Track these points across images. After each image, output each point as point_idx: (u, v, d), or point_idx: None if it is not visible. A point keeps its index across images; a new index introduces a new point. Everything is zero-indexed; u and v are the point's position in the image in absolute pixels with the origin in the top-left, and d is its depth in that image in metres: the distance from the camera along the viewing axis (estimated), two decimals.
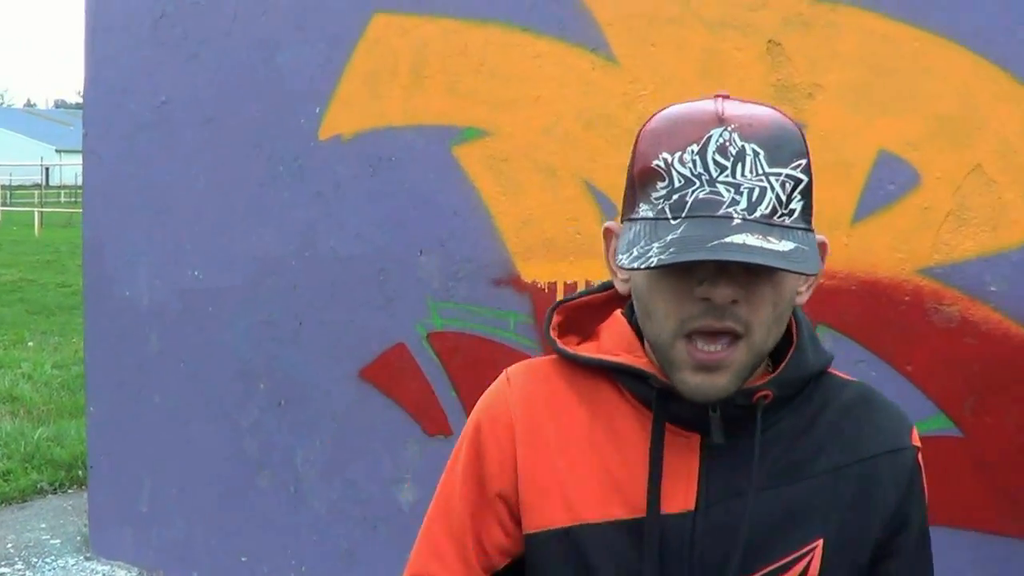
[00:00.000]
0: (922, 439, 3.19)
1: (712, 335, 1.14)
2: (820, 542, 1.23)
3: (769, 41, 3.10)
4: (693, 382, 1.16)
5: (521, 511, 1.28)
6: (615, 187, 3.19)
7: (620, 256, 1.15)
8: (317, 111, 3.64)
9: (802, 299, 1.24)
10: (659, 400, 1.22)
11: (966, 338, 3.02)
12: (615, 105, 3.19)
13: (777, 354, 1.26)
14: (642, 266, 1.10)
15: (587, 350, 1.30)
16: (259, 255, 3.82)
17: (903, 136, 3.03)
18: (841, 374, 1.35)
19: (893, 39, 3.03)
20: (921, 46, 3.02)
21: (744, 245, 1.06)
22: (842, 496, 1.25)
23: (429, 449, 3.42)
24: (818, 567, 1.23)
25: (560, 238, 3.25)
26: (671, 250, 1.08)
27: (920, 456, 1.35)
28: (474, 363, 3.34)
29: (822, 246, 1.20)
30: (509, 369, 1.35)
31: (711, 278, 1.11)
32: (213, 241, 3.96)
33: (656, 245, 1.10)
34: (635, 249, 1.12)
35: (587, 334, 1.34)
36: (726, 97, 1.19)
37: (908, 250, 3.03)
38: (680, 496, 1.21)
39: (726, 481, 1.22)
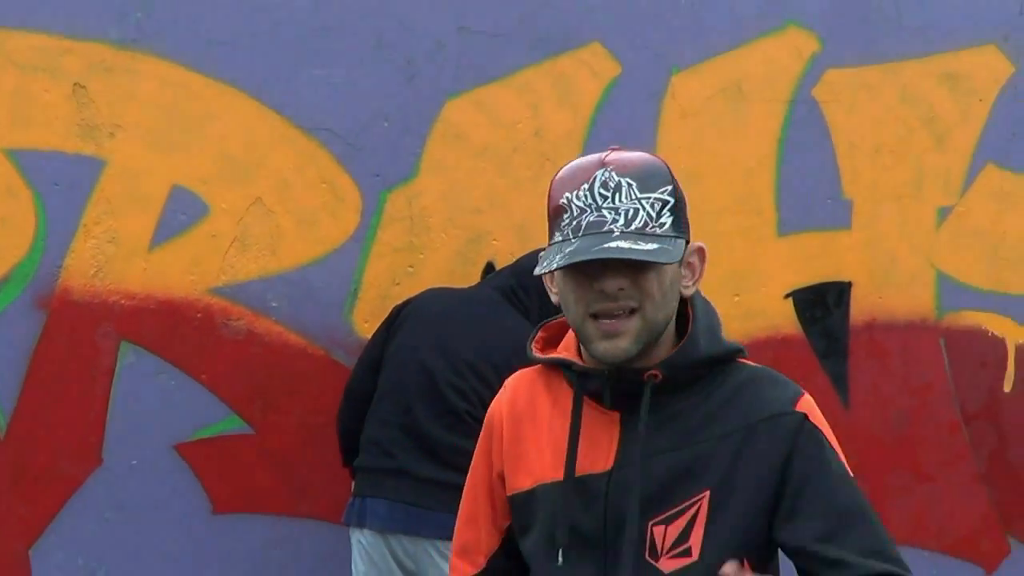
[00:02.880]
0: (218, 439, 3.58)
1: (610, 313, 1.48)
2: (707, 493, 1.50)
3: (75, 84, 3.39)
4: (602, 347, 1.48)
5: (506, 483, 1.63)
6: None
7: (536, 269, 1.52)
8: None
9: (688, 292, 1.55)
10: (578, 380, 1.56)
11: (253, 348, 3.46)
12: None
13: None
14: (545, 270, 1.49)
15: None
16: None
17: (195, 172, 3.43)
18: (751, 363, 1.61)
19: (187, 86, 3.42)
20: (211, 93, 3.43)
21: (619, 247, 1.43)
22: (726, 456, 1.51)
23: None
24: (706, 512, 1.50)
25: None
26: (567, 257, 1.44)
27: (812, 420, 1.52)
28: None
29: (700, 251, 1.55)
30: (509, 378, 1.72)
31: (602, 274, 1.45)
32: None
33: (558, 257, 1.45)
34: (544, 262, 1.49)
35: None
36: (615, 149, 1.53)
37: (200, 272, 3.43)
38: (602, 460, 1.53)
39: (635, 447, 1.51)
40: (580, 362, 1.57)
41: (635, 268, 1.46)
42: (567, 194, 1.49)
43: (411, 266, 3.48)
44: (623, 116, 3.50)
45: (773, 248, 3.45)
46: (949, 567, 3.67)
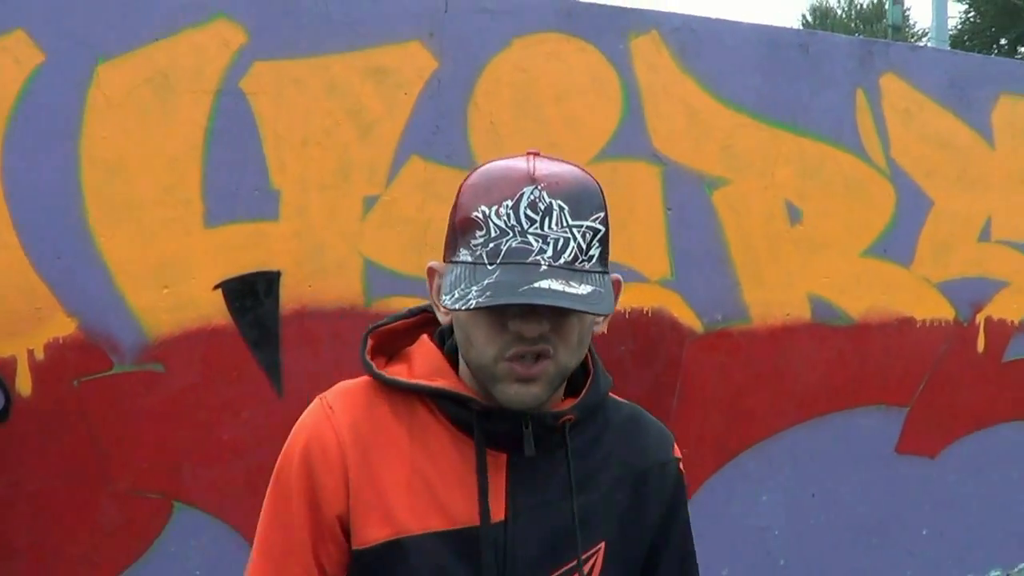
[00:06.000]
0: None
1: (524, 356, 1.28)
2: (603, 544, 1.39)
3: None
4: (512, 391, 1.29)
5: (351, 529, 1.35)
6: None
7: (444, 297, 1.29)
8: None
9: (599, 329, 1.38)
10: (479, 421, 1.34)
11: None
12: None
13: (572, 380, 1.41)
14: (463, 307, 1.24)
15: (398, 373, 1.41)
16: None
17: None
18: (614, 395, 1.49)
19: None
20: None
21: (549, 290, 1.21)
22: (621, 504, 1.41)
23: None
24: (600, 565, 1.38)
25: None
26: (488, 293, 1.22)
27: (682, 465, 1.50)
28: None
29: (616, 284, 1.35)
30: (325, 396, 1.43)
31: (522, 316, 1.25)
32: None
33: (475, 288, 1.23)
34: (456, 291, 1.25)
35: (391, 354, 1.45)
36: (536, 155, 1.31)
37: None
38: (492, 509, 1.34)
39: (530, 493, 1.35)
40: (472, 395, 1.38)
41: (559, 311, 1.27)
42: (483, 207, 1.28)
43: None
44: (47, 106, 3.49)
45: (201, 239, 3.49)
46: None
